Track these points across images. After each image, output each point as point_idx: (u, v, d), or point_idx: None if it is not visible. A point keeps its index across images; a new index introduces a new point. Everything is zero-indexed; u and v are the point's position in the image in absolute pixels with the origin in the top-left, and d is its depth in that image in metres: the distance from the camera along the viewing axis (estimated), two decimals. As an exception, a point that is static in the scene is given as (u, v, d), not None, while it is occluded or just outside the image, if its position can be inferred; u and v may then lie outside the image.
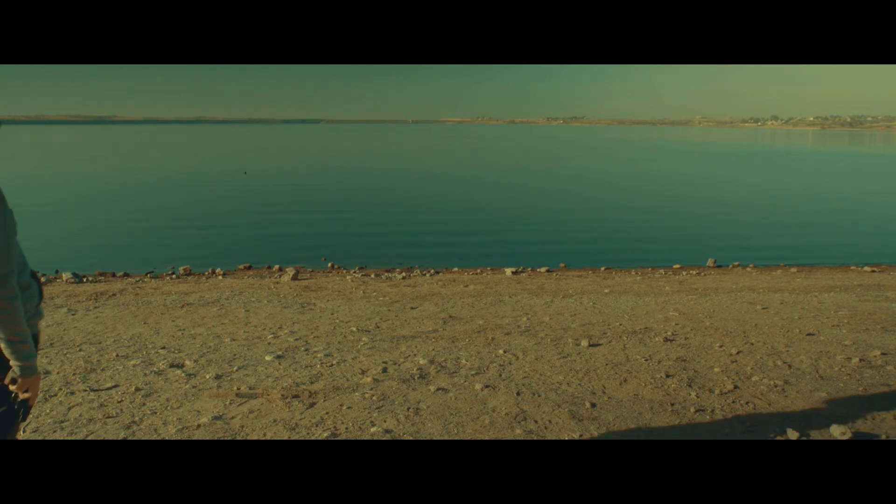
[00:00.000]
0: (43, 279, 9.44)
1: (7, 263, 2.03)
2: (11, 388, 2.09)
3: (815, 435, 3.63)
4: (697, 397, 4.16)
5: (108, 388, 4.25)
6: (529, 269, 10.94)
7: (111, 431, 3.58)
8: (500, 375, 4.56)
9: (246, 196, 21.90)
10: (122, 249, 12.89)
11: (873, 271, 10.89)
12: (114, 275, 10.04)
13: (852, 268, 11.41)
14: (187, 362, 4.82)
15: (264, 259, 11.65)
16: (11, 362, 2.07)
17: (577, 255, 12.75)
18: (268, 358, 4.91)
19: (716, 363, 4.86)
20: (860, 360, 4.93)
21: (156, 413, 3.85)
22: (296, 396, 4.13)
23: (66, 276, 9.40)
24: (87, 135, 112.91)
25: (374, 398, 4.10)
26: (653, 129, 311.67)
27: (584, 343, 5.37)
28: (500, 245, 13.87)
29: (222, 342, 5.36)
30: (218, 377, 4.48)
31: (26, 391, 2.11)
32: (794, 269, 11.14)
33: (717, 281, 9.61)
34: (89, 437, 3.52)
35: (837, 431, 3.62)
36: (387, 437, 3.57)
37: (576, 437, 3.59)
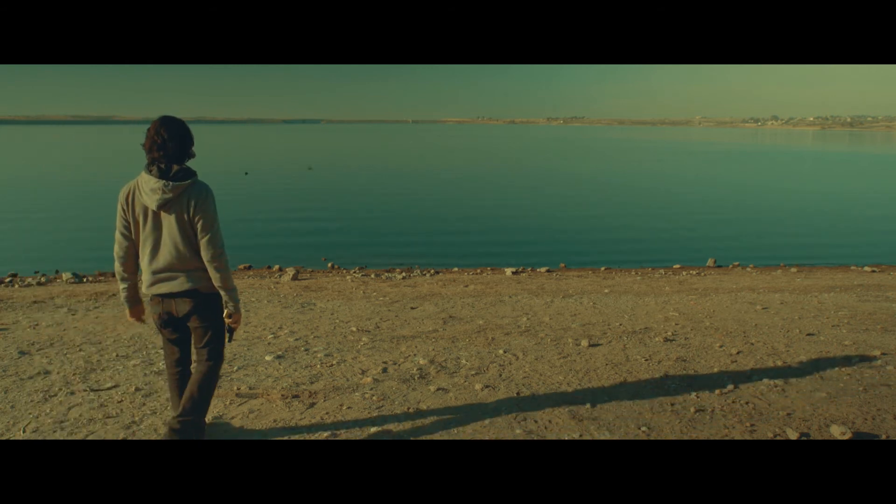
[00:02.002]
0: (43, 279, 9.43)
1: (222, 238, 3.05)
2: (227, 321, 3.17)
3: (815, 435, 3.63)
4: (697, 397, 4.16)
5: (108, 388, 4.25)
6: (529, 269, 10.94)
7: (111, 431, 3.59)
8: (500, 375, 4.56)
9: (246, 196, 21.91)
10: (122, 249, 12.88)
11: (873, 271, 10.89)
12: (114, 275, 10.04)
13: (852, 268, 11.41)
14: (187, 362, 4.83)
15: (264, 259, 11.65)
16: (227, 303, 3.11)
17: (577, 255, 12.75)
18: (268, 358, 4.91)
19: (716, 363, 4.86)
20: (860, 360, 4.93)
21: (156, 413, 3.85)
22: (296, 396, 4.13)
23: (66, 276, 9.40)
24: (87, 135, 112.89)
25: (374, 398, 4.10)
26: (653, 129, 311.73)
27: (584, 343, 5.37)
28: (500, 245, 13.87)
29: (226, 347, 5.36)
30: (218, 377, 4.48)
31: (236, 322, 3.20)
32: (794, 269, 11.14)
33: (717, 281, 9.61)
34: (89, 437, 3.52)
35: (837, 431, 3.62)
36: (387, 437, 3.57)
37: (576, 437, 3.59)
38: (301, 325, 6.09)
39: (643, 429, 3.68)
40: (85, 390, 4.21)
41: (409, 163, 42.47)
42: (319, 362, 4.85)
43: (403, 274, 10.31)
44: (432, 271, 10.69)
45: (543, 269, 10.89)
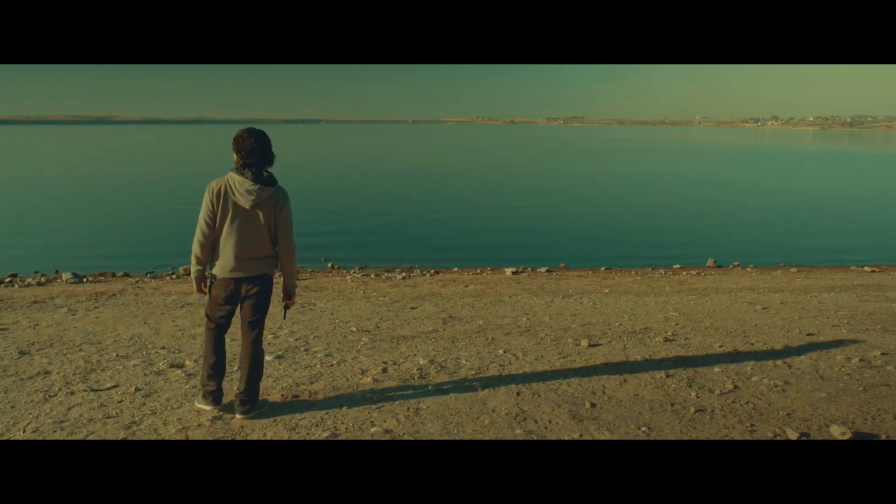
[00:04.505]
0: (43, 279, 9.43)
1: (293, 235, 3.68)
2: (286, 301, 3.86)
3: (815, 435, 3.63)
4: (697, 397, 4.17)
5: (108, 388, 4.25)
6: (529, 269, 10.94)
7: (111, 431, 3.58)
8: (500, 375, 4.56)
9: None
10: (122, 249, 12.89)
11: (873, 271, 10.89)
12: (114, 275, 10.04)
13: (852, 268, 11.41)
14: (187, 362, 4.82)
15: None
16: (287, 286, 3.80)
17: (577, 255, 12.75)
18: (268, 358, 4.91)
19: (716, 363, 4.86)
20: (860, 360, 4.93)
21: (156, 413, 3.85)
22: (296, 396, 4.13)
23: (66, 276, 9.40)
24: (87, 135, 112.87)
25: (374, 398, 4.10)
26: (653, 129, 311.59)
27: (584, 343, 5.37)
28: (500, 245, 13.87)
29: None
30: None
31: (293, 302, 3.91)
32: (794, 269, 11.14)
33: (717, 281, 9.61)
34: (89, 437, 3.52)
35: (837, 431, 3.62)
36: (387, 437, 3.57)
37: (576, 437, 3.59)
38: (301, 325, 6.09)
39: (643, 429, 3.68)
40: (85, 390, 4.21)
41: (409, 163, 42.46)
42: (319, 362, 4.85)
43: (403, 274, 10.31)
44: (432, 271, 10.69)
45: (543, 269, 10.89)
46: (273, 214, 3.54)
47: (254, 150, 3.45)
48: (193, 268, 3.66)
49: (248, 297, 3.66)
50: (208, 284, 3.71)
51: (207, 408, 3.82)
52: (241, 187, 3.44)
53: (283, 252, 3.62)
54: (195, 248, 3.57)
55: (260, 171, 3.47)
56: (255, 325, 3.73)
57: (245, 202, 3.45)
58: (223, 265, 3.57)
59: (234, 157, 3.51)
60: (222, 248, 3.55)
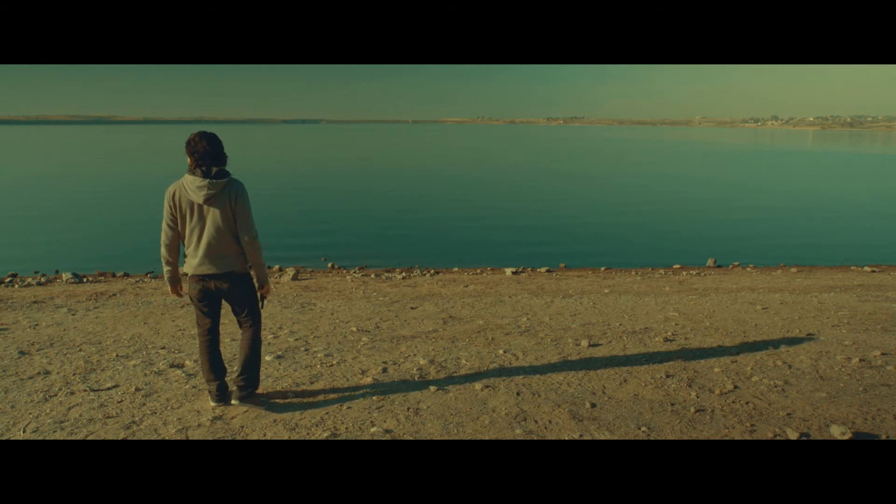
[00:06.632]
0: (43, 279, 9.43)
1: (255, 225, 3.73)
2: (261, 291, 3.88)
3: (815, 435, 3.63)
4: (697, 397, 4.16)
5: (108, 388, 4.25)
6: (529, 269, 10.94)
7: (111, 431, 3.59)
8: (500, 375, 4.56)
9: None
10: (122, 249, 12.89)
11: (873, 271, 10.89)
12: (114, 275, 10.04)
13: (852, 268, 11.41)
14: (187, 362, 4.82)
15: (264, 259, 11.63)
16: (258, 277, 3.82)
17: (577, 255, 12.74)
18: (268, 358, 4.91)
19: (716, 363, 4.86)
20: (860, 360, 4.93)
21: (156, 413, 3.85)
22: (296, 396, 4.13)
23: (66, 276, 9.40)
24: (87, 135, 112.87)
25: (374, 398, 4.10)
26: (653, 129, 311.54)
27: (584, 343, 5.37)
28: (500, 245, 13.87)
29: (222, 342, 5.36)
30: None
31: (267, 292, 3.92)
32: (794, 269, 11.14)
33: (717, 281, 9.61)
34: (89, 437, 3.52)
35: (837, 431, 3.62)
36: (387, 437, 3.57)
37: (576, 437, 3.59)
38: (301, 325, 6.09)
39: (643, 429, 3.68)
40: (85, 390, 4.21)
41: (409, 163, 42.45)
42: (319, 362, 4.85)
43: (403, 274, 10.31)
44: (432, 271, 10.69)
45: (543, 269, 10.89)
46: (229, 207, 3.63)
47: (206, 153, 3.58)
48: (164, 269, 3.83)
49: (225, 295, 3.78)
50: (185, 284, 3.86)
51: (211, 404, 3.94)
52: (192, 185, 3.57)
53: (245, 242, 3.69)
54: (161, 250, 3.76)
55: (209, 168, 3.59)
56: (247, 319, 3.88)
57: (197, 198, 3.57)
58: (190, 263, 3.71)
59: (188, 160, 3.62)
60: (187, 247, 3.72)
